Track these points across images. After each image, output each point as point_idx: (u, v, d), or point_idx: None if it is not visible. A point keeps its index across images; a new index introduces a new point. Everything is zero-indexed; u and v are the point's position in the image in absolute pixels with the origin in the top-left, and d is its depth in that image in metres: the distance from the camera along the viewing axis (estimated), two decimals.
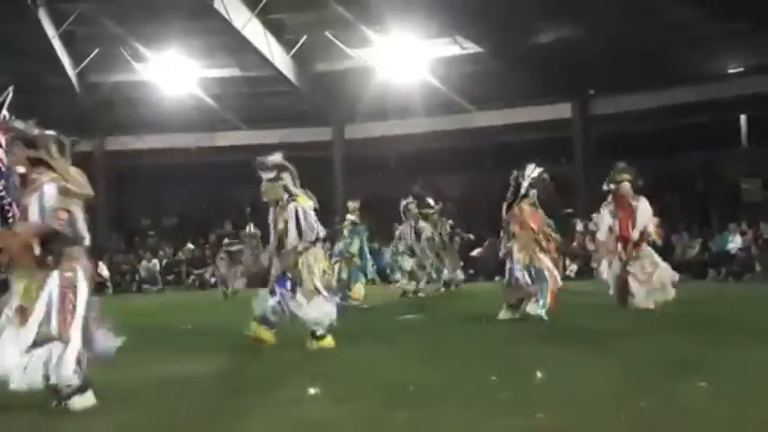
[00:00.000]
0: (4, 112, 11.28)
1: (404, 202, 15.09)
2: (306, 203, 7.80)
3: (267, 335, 7.75)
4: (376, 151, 26.52)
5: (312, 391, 5.51)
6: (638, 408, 4.67)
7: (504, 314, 9.66)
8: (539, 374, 5.79)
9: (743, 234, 18.31)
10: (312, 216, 7.79)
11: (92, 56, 23.59)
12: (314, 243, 7.73)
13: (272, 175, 7.85)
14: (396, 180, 25.85)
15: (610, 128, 23.58)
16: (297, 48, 23.63)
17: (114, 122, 26.39)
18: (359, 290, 13.25)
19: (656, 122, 22.82)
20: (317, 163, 26.84)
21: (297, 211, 7.71)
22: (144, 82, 24.80)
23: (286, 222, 7.70)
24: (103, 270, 22.75)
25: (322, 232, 7.86)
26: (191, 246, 24.05)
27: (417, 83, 23.36)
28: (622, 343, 7.43)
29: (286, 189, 7.82)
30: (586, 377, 5.72)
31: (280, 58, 23.85)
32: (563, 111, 24.13)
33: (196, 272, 23.08)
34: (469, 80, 23.44)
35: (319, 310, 7.65)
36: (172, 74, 24.16)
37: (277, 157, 8.05)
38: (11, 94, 11.49)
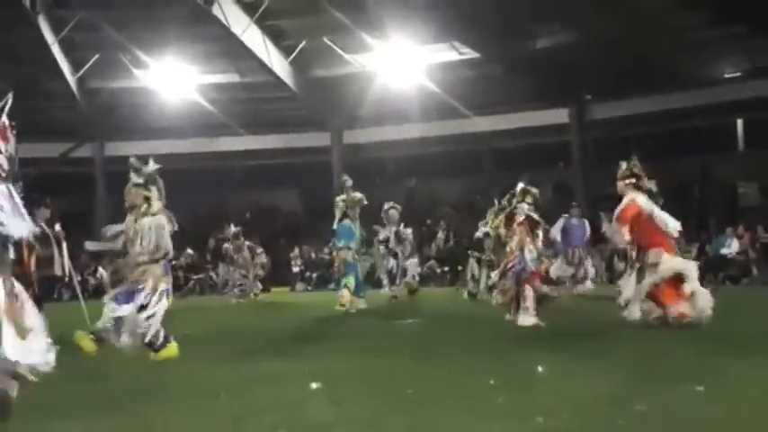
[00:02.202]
0: (4, 118, 11.38)
1: (385, 207, 15.07)
2: (161, 221, 7.67)
3: (91, 345, 7.52)
4: (374, 156, 26.61)
5: (310, 394, 5.57)
6: (635, 412, 4.72)
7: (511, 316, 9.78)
8: (537, 378, 5.85)
9: (740, 238, 18.36)
10: (166, 234, 7.67)
11: (91, 62, 23.67)
12: (156, 260, 7.65)
13: (140, 180, 7.76)
14: (394, 185, 25.95)
15: (607, 132, 23.68)
16: (295, 53, 23.71)
17: (113, 128, 26.45)
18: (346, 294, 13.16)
19: (653, 127, 22.92)
20: (316, 168, 26.97)
21: (150, 228, 7.61)
22: (143, 88, 24.86)
23: (138, 232, 7.61)
24: (103, 275, 22.78)
25: (170, 253, 7.77)
26: (190, 251, 24.09)
27: (415, 88, 23.44)
28: (619, 347, 7.48)
29: (147, 200, 7.71)
30: (584, 381, 5.77)
31: (278, 63, 23.93)
32: (560, 115, 24.21)
33: (195, 277, 23.11)
34: (467, 85, 23.52)
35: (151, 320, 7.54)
36: (171, 80, 24.22)
37: (151, 167, 7.90)
38: (10, 100, 11.57)
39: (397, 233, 14.83)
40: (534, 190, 10.18)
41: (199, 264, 23.37)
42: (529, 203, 10.02)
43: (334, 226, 13.55)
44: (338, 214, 13.47)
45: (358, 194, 13.58)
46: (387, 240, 14.78)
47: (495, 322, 9.82)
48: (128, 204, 7.76)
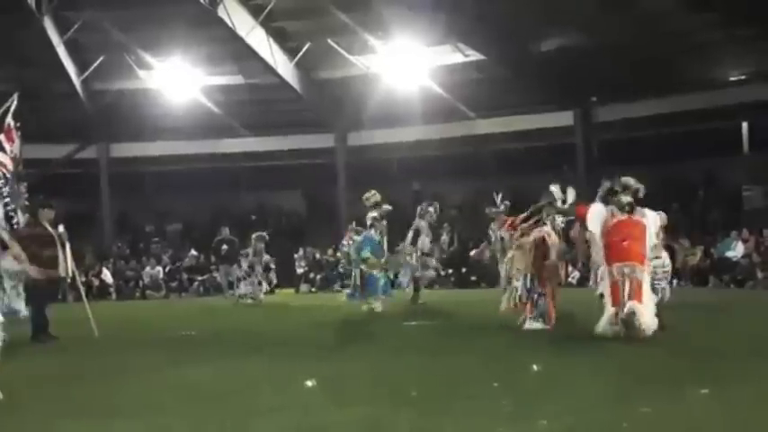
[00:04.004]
0: (9, 119, 11.38)
1: (425, 206, 14.96)
2: None
3: None
4: (378, 158, 26.59)
5: (315, 395, 5.57)
6: (639, 414, 4.72)
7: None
8: (541, 381, 5.84)
9: (744, 241, 18.32)
10: None
11: (96, 63, 23.68)
12: None
13: None
14: (398, 187, 25.94)
15: (612, 135, 23.64)
16: (300, 55, 23.72)
17: (118, 129, 26.47)
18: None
19: (658, 130, 22.86)
20: (320, 169, 26.98)
21: None
22: (148, 89, 24.87)
23: None
24: (107, 276, 22.80)
25: None
26: (194, 252, 24.10)
27: (419, 90, 23.42)
28: (624, 350, 7.47)
29: None
30: (589, 383, 5.76)
31: (283, 65, 23.93)
32: (565, 118, 24.16)
33: (199, 278, 23.12)
34: (472, 87, 23.50)
35: None
36: (176, 81, 24.23)
37: None
38: (16, 101, 11.58)
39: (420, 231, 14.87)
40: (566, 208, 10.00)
41: (203, 265, 23.37)
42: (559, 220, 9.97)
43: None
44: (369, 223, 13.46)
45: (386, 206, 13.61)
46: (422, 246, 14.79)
47: (499, 325, 9.81)
48: None
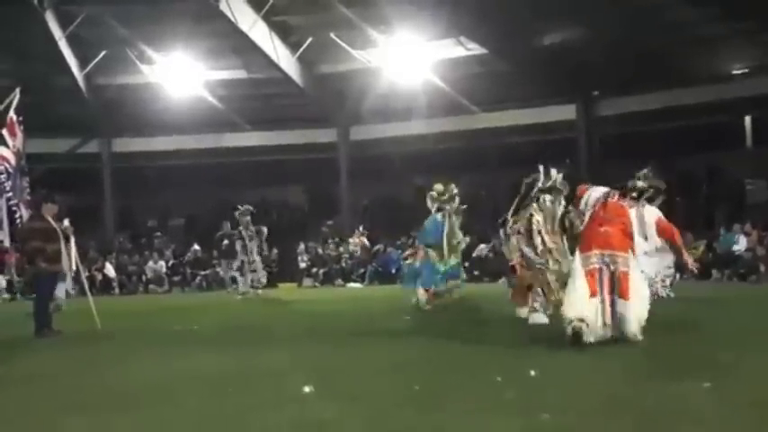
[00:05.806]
0: (12, 113, 11.39)
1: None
2: None
3: None
4: (381, 152, 26.59)
5: (315, 390, 5.56)
6: (642, 408, 4.72)
7: (523, 312, 9.71)
8: (544, 375, 5.83)
9: (747, 235, 18.30)
10: None
11: (98, 58, 23.69)
12: None
13: None
14: (400, 181, 25.93)
15: (614, 129, 23.62)
16: (302, 49, 23.71)
17: (121, 124, 26.51)
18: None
19: (661, 124, 22.82)
20: (323, 164, 26.98)
21: None
22: (150, 84, 24.88)
23: None
24: (110, 271, 22.84)
25: None
26: (196, 247, 24.14)
27: (422, 84, 23.41)
28: (627, 344, 7.45)
29: None
30: (591, 378, 5.76)
31: (285, 59, 23.93)
32: (567, 112, 24.16)
33: (202, 273, 23.16)
34: (474, 82, 23.49)
35: None
36: (178, 76, 24.24)
37: None
38: (18, 96, 11.59)
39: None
40: (562, 189, 9.57)
41: (205, 259, 23.41)
42: (551, 199, 9.57)
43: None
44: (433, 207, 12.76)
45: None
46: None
47: (502, 319, 9.82)
48: None
